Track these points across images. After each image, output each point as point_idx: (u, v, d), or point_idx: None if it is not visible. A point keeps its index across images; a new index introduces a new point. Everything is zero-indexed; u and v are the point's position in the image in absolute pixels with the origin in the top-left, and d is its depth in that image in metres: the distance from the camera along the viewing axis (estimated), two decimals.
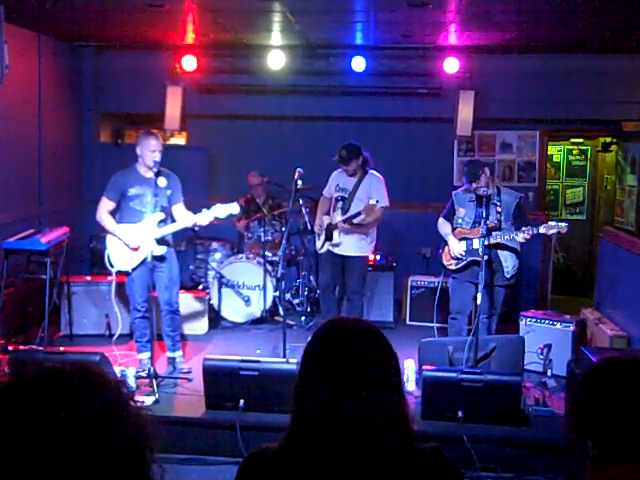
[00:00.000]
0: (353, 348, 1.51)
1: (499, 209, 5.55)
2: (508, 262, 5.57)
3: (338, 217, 6.24)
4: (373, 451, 1.44)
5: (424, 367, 4.92)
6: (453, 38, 7.37)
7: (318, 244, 6.52)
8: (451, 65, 7.78)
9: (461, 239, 5.69)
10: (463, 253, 5.65)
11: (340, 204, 6.27)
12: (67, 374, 1.14)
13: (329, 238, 6.30)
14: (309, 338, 1.60)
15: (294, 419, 1.53)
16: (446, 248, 5.82)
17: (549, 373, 5.60)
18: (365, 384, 1.47)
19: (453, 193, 5.91)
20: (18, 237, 6.11)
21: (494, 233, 5.43)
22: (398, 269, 7.47)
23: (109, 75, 8.46)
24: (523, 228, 5.33)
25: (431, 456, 1.54)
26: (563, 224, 5.27)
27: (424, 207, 7.87)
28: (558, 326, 5.90)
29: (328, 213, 6.43)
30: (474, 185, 5.55)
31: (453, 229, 5.76)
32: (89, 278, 6.90)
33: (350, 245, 6.24)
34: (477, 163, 5.86)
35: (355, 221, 6.07)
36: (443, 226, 5.85)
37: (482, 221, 5.28)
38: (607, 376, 1.69)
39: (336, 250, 6.31)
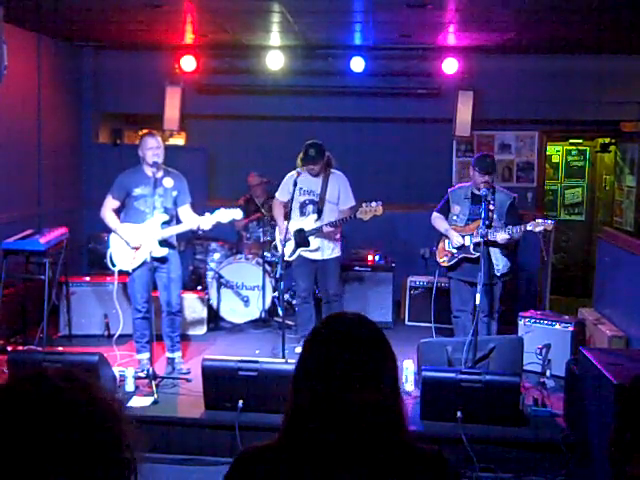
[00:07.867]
0: (351, 341, 1.51)
1: (492, 207, 5.56)
2: (499, 260, 5.60)
3: (311, 223, 6.07)
4: (368, 446, 1.44)
5: (423, 367, 4.93)
6: (452, 38, 7.37)
7: (287, 251, 6.03)
8: (450, 65, 7.78)
9: None
10: (455, 250, 5.68)
11: (312, 208, 6.10)
12: (51, 379, 1.16)
13: (303, 244, 6.12)
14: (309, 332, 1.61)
15: (290, 414, 1.53)
16: (440, 244, 5.83)
17: (548, 373, 5.60)
18: (361, 377, 1.47)
19: (449, 190, 5.94)
20: (17, 237, 6.11)
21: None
22: (397, 269, 7.47)
23: (108, 75, 8.44)
24: (507, 227, 5.38)
25: (431, 457, 1.53)
26: (549, 220, 5.29)
27: (423, 207, 7.83)
28: (557, 326, 5.90)
29: (286, 218, 6.00)
30: (486, 177, 5.54)
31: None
32: (88, 278, 6.89)
33: (327, 249, 6.14)
34: (492, 158, 5.84)
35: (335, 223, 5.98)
36: (439, 220, 5.86)
37: (481, 222, 5.31)
38: None
39: (312, 255, 6.15)
